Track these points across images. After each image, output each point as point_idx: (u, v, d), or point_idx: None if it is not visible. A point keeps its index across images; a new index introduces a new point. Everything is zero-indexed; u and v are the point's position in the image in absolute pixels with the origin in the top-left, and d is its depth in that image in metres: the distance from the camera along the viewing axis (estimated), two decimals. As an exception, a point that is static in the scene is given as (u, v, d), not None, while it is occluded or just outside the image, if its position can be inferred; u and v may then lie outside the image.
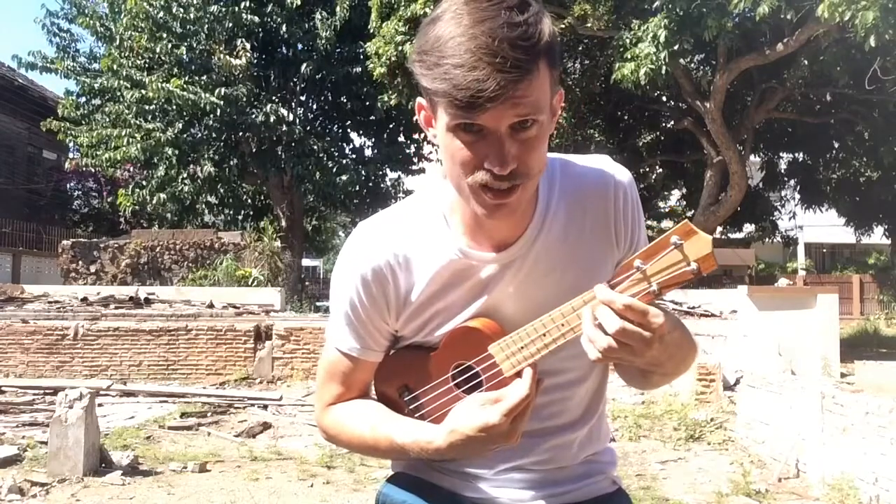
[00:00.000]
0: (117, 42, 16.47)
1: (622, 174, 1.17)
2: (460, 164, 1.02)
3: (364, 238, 1.18)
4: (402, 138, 18.88)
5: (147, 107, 15.93)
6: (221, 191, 17.54)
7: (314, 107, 18.86)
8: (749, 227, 20.57)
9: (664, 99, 16.14)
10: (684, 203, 21.10)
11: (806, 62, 12.24)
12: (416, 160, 19.13)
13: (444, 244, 1.15)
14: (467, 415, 1.06)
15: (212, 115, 15.61)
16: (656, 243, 0.96)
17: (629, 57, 10.59)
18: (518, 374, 1.07)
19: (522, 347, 1.07)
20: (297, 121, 17.26)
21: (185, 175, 16.77)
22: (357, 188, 17.11)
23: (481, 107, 0.95)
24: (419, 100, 1.10)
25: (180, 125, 16.11)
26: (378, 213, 1.22)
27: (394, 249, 1.16)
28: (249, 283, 13.61)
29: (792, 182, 18.90)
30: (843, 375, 8.18)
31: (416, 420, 1.18)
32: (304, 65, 16.32)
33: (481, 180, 1.01)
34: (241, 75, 15.73)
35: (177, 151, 16.21)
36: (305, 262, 25.26)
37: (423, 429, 1.13)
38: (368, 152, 19.16)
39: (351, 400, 1.25)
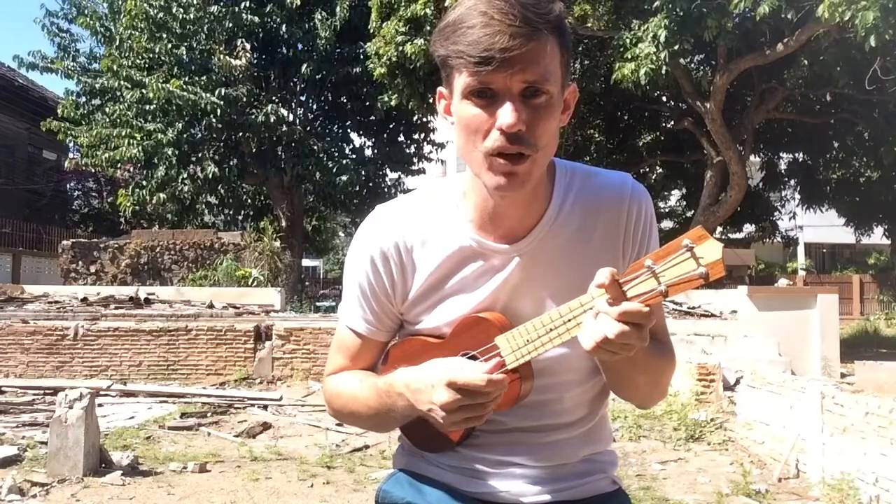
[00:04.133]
0: (117, 42, 16.48)
1: (640, 192, 1.21)
2: (474, 131, 1.06)
3: (377, 221, 1.23)
4: (402, 138, 18.87)
5: (147, 107, 15.93)
6: (221, 191, 17.51)
7: (314, 107, 18.85)
8: (749, 228, 20.52)
9: (664, 99, 16.14)
10: (684, 203, 21.07)
11: (806, 62, 12.24)
12: (416, 160, 19.11)
13: (455, 231, 1.18)
14: (428, 372, 1.08)
15: (212, 116, 15.60)
16: (668, 245, 0.97)
17: (629, 57, 10.59)
18: (518, 368, 1.09)
19: (528, 341, 1.09)
20: (297, 121, 17.26)
21: (185, 175, 16.75)
22: (357, 188, 17.10)
23: (493, 61, 1.00)
24: (439, 88, 1.14)
25: (180, 125, 16.10)
26: (395, 199, 1.26)
27: (404, 233, 1.19)
28: (249, 283, 13.60)
29: (792, 182, 18.90)
30: (843, 375, 8.19)
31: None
32: (304, 65, 16.31)
33: (492, 145, 1.04)
34: (241, 75, 15.73)
35: (177, 152, 16.20)
36: (305, 262, 25.22)
37: (397, 372, 1.16)
38: (368, 152, 19.14)
39: None
